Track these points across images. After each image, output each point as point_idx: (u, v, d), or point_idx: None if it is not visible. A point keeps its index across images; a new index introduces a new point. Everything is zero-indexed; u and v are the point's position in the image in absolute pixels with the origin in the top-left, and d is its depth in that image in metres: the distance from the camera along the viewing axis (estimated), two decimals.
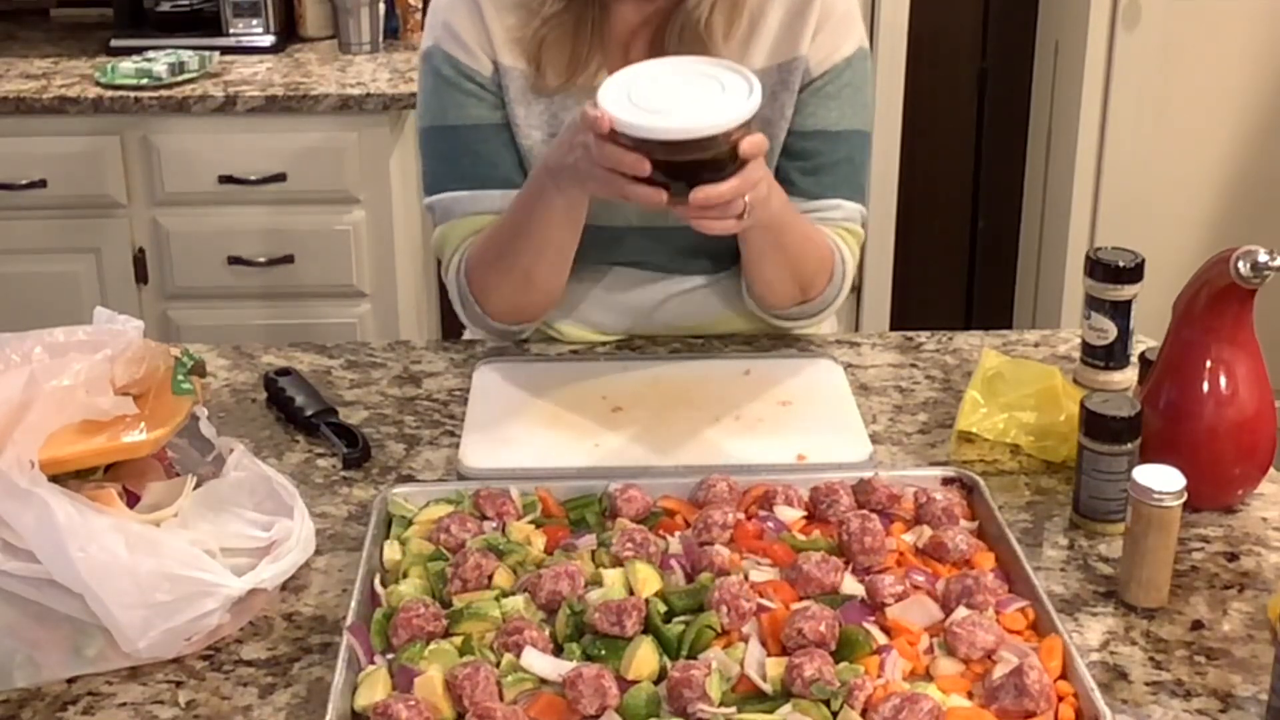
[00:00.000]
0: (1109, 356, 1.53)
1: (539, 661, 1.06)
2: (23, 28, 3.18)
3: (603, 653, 1.07)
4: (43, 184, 2.71)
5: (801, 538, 1.22)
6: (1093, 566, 1.26)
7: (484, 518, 1.25)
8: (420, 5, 3.07)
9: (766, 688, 1.04)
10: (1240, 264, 1.26)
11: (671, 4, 1.56)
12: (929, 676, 1.07)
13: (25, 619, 1.11)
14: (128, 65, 2.72)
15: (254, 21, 2.98)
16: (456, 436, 1.46)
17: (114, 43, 2.94)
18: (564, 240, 1.55)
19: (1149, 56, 3.23)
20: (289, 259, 2.77)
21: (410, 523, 1.26)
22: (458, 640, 1.09)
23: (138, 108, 2.67)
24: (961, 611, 1.11)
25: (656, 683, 1.05)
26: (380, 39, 3.01)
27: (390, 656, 1.09)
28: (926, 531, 1.23)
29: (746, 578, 1.14)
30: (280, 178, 2.72)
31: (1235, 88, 3.28)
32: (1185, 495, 1.17)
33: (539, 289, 1.60)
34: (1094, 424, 1.28)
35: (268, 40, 2.98)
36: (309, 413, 1.50)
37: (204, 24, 3.00)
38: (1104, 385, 1.53)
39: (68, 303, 2.74)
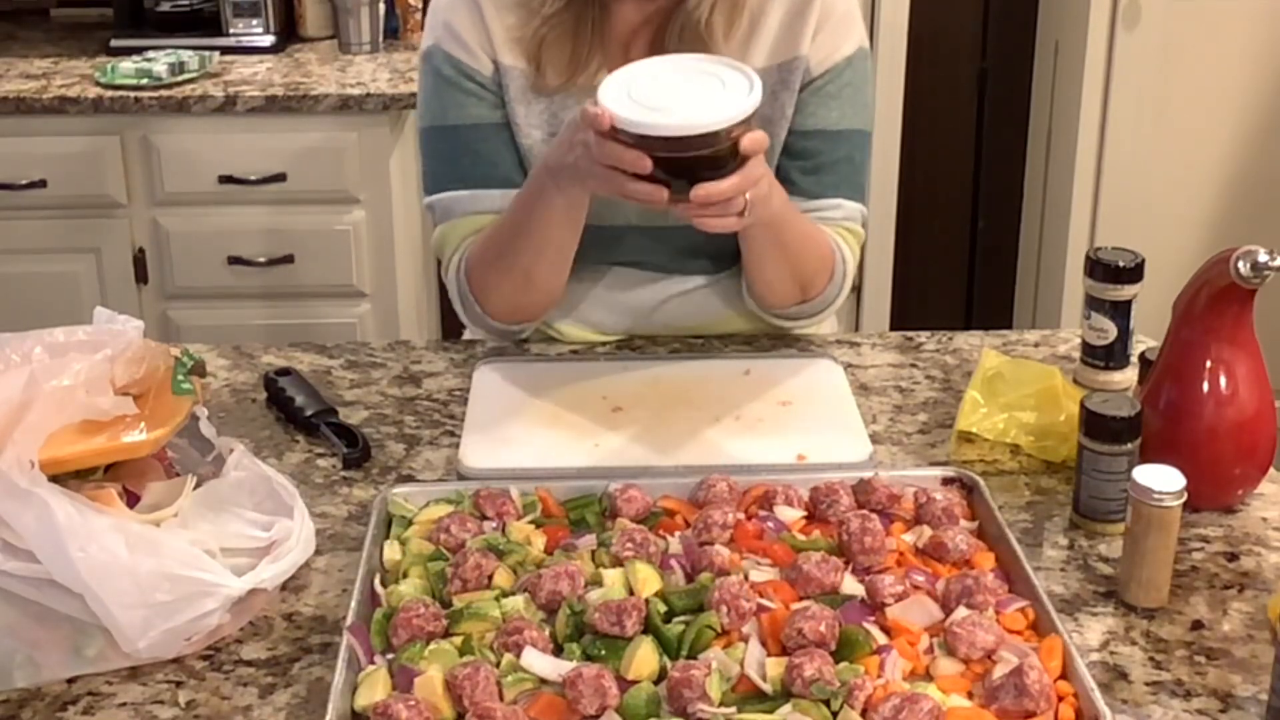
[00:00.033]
0: (1109, 356, 1.53)
1: (539, 661, 1.06)
2: (23, 28, 3.18)
3: (603, 653, 1.07)
4: (43, 184, 2.71)
5: (801, 538, 1.22)
6: (1093, 566, 1.26)
7: (484, 518, 1.25)
8: (420, 5, 3.07)
9: (766, 688, 1.04)
10: (1240, 264, 1.26)
11: (672, 4, 1.56)
12: (929, 676, 1.07)
13: (25, 619, 1.11)
14: (128, 65, 2.72)
15: (254, 21, 2.98)
16: (456, 436, 1.46)
17: (114, 43, 2.94)
18: (564, 239, 1.55)
19: (1149, 56, 3.23)
20: (289, 259, 2.77)
21: (410, 523, 1.26)
22: (458, 640, 1.09)
23: (138, 108, 2.67)
24: (961, 611, 1.11)
25: (656, 683, 1.05)
26: (380, 39, 3.01)
27: (390, 656, 1.09)
28: (926, 531, 1.23)
29: (746, 578, 1.14)
30: (280, 178, 2.72)
31: (1235, 88, 3.28)
32: (1185, 495, 1.17)
33: (539, 288, 1.60)
34: (1094, 424, 1.28)
35: (268, 40, 2.98)
36: (309, 413, 1.50)
37: (204, 24, 3.00)
38: (1104, 385, 1.53)
39: (68, 303, 2.74)
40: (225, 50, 2.91)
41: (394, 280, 2.82)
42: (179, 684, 1.12)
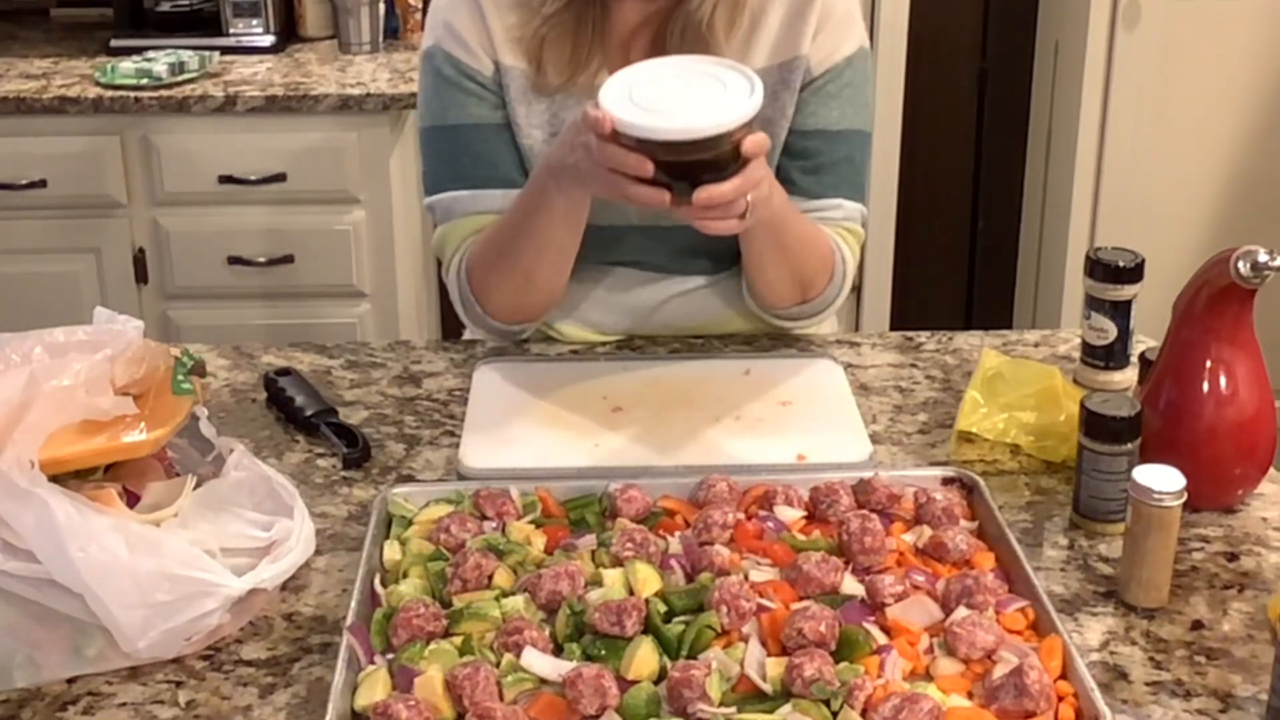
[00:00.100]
0: (1109, 356, 1.53)
1: (539, 661, 1.06)
2: (23, 28, 3.18)
3: (603, 653, 1.07)
4: (43, 184, 2.71)
5: (801, 538, 1.22)
6: (1093, 566, 1.26)
7: (484, 518, 1.25)
8: (420, 5, 3.07)
9: (766, 688, 1.04)
10: (1240, 264, 1.26)
11: (672, 3, 1.56)
12: (929, 676, 1.07)
13: (25, 619, 1.11)
14: (128, 65, 2.72)
15: (254, 21, 2.98)
16: (456, 436, 1.46)
17: (114, 43, 2.94)
18: (565, 240, 1.55)
19: (1149, 56, 3.23)
20: (289, 259, 2.77)
21: (410, 523, 1.26)
22: (458, 640, 1.09)
23: (138, 108, 2.67)
24: (961, 611, 1.11)
25: (656, 683, 1.05)
26: (380, 39, 3.01)
27: (390, 656, 1.09)
28: (926, 531, 1.23)
29: (746, 578, 1.14)
30: (280, 178, 2.72)
31: (1235, 88, 3.28)
32: (1185, 495, 1.17)
33: (540, 289, 1.60)
34: (1094, 424, 1.28)
35: (268, 40, 2.98)
36: (309, 413, 1.50)
37: (204, 24, 3.00)
38: (1104, 385, 1.53)
39: (68, 303, 2.74)
40: (225, 50, 2.91)
41: (394, 280, 2.82)
42: (179, 684, 1.12)
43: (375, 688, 1.05)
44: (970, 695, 1.05)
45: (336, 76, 2.80)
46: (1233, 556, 1.28)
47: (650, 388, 1.54)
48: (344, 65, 2.89)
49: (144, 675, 1.13)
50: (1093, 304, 1.52)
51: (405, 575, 1.18)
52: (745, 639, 1.08)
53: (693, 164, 1.30)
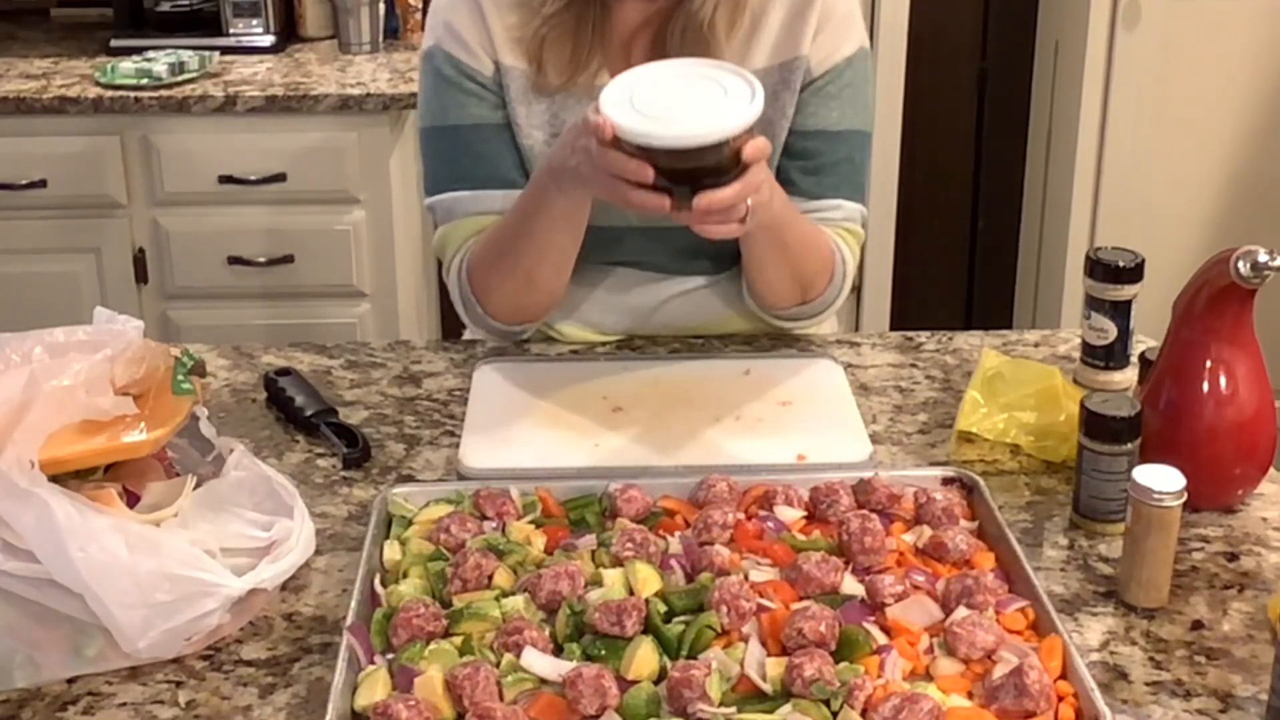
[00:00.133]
0: (1109, 356, 1.53)
1: (539, 661, 1.06)
2: (23, 28, 3.18)
3: (603, 653, 1.07)
4: (43, 184, 2.71)
5: (801, 538, 1.22)
6: (1093, 566, 1.26)
7: (484, 518, 1.25)
8: (420, 5, 3.07)
9: (766, 688, 1.04)
10: (1240, 264, 1.26)
11: (673, 4, 1.56)
12: (929, 676, 1.07)
13: (25, 619, 1.11)
14: (128, 65, 2.72)
15: (254, 21, 2.98)
16: (456, 436, 1.46)
17: (114, 43, 2.94)
18: (566, 241, 1.55)
19: (1149, 56, 3.23)
20: (289, 259, 2.77)
21: (410, 523, 1.26)
22: (458, 640, 1.09)
23: (138, 108, 2.67)
24: (961, 611, 1.11)
25: (656, 683, 1.05)
26: (380, 39, 3.01)
27: (390, 656, 1.09)
28: (926, 531, 1.23)
29: (746, 578, 1.14)
30: (280, 178, 2.72)
31: (1235, 88, 3.28)
32: (1185, 495, 1.17)
33: (541, 289, 1.60)
34: (1094, 424, 1.28)
35: (268, 40, 2.98)
36: (309, 413, 1.50)
37: (204, 24, 3.00)
38: (1104, 385, 1.53)
39: (68, 303, 2.74)
40: (225, 50, 2.91)
41: (394, 280, 2.82)
42: (179, 684, 1.12)
43: (375, 688, 1.05)
44: (970, 695, 1.05)
45: (336, 76, 2.80)
46: (1233, 556, 1.28)
47: (650, 388, 1.54)
48: (344, 65, 2.89)
49: (144, 675, 1.13)
50: (1093, 304, 1.52)
51: (405, 575, 1.18)
52: (745, 639, 1.08)
53: (693, 170, 1.30)
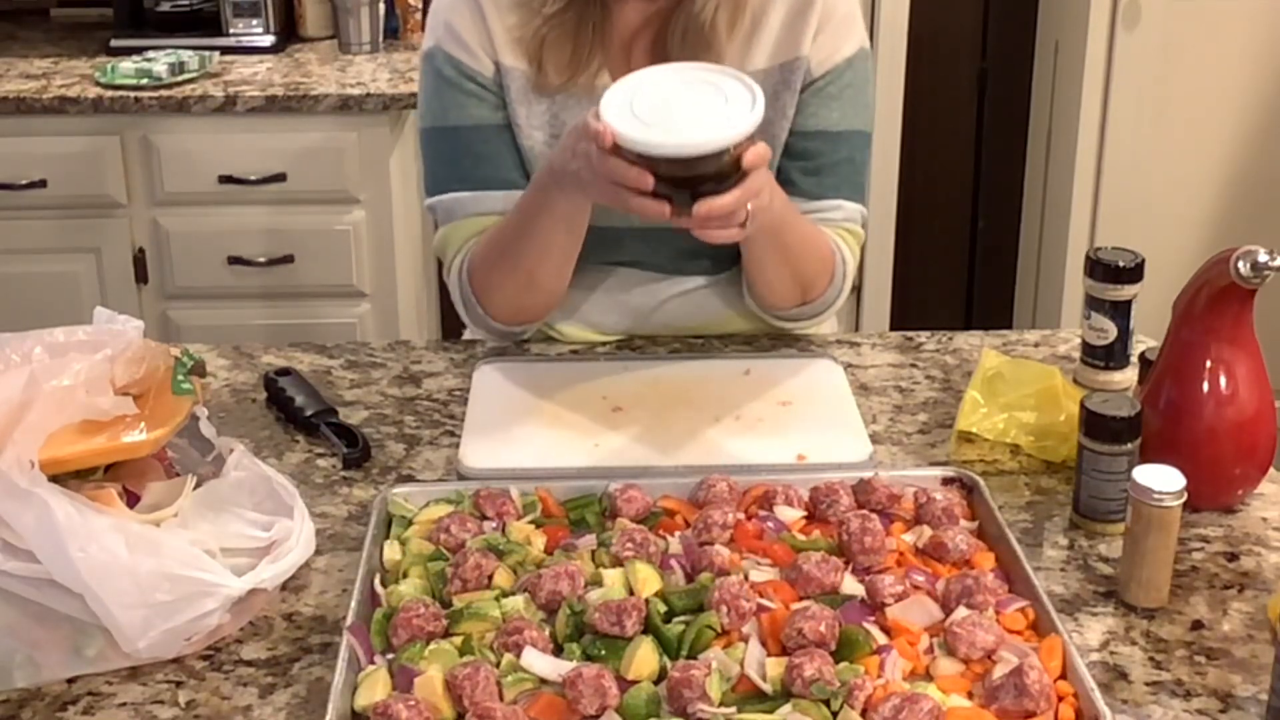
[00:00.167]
0: (1109, 356, 1.53)
1: (539, 661, 1.06)
2: (23, 28, 3.18)
3: (603, 653, 1.07)
4: (43, 184, 2.71)
5: (801, 538, 1.22)
6: (1093, 566, 1.26)
7: (484, 518, 1.25)
8: (420, 5, 3.07)
9: (766, 688, 1.04)
10: (1240, 264, 1.26)
11: (673, 4, 1.56)
12: (929, 676, 1.07)
13: (25, 619, 1.11)
14: (128, 65, 2.72)
15: (254, 21, 2.98)
16: (456, 436, 1.46)
17: (114, 43, 2.94)
18: (567, 242, 1.55)
19: (1149, 56, 3.23)
20: (289, 259, 2.77)
21: (410, 523, 1.26)
22: (458, 640, 1.09)
23: (138, 108, 2.67)
24: (961, 611, 1.11)
25: (656, 683, 1.05)
26: (380, 39, 3.01)
27: (390, 656, 1.09)
28: (926, 531, 1.23)
29: (746, 578, 1.14)
30: (280, 178, 2.72)
31: (1235, 88, 3.28)
32: (1185, 495, 1.17)
33: (541, 290, 1.60)
34: (1094, 424, 1.28)
35: (268, 40, 2.98)
36: (309, 413, 1.50)
37: (204, 24, 3.00)
38: (1104, 385, 1.53)
39: (68, 303, 2.74)
40: (225, 50, 2.91)
41: (394, 280, 2.82)
42: (179, 684, 1.12)
43: (375, 688, 1.05)
44: (970, 695, 1.05)
45: (336, 76, 2.80)
46: (1233, 556, 1.28)
47: (650, 388, 1.54)
48: (344, 65, 2.89)
49: (144, 675, 1.13)
50: (1093, 304, 1.52)
51: (405, 575, 1.18)
52: (745, 639, 1.08)
53: (693, 177, 1.30)
